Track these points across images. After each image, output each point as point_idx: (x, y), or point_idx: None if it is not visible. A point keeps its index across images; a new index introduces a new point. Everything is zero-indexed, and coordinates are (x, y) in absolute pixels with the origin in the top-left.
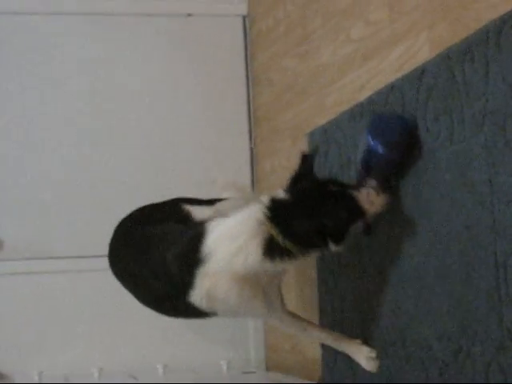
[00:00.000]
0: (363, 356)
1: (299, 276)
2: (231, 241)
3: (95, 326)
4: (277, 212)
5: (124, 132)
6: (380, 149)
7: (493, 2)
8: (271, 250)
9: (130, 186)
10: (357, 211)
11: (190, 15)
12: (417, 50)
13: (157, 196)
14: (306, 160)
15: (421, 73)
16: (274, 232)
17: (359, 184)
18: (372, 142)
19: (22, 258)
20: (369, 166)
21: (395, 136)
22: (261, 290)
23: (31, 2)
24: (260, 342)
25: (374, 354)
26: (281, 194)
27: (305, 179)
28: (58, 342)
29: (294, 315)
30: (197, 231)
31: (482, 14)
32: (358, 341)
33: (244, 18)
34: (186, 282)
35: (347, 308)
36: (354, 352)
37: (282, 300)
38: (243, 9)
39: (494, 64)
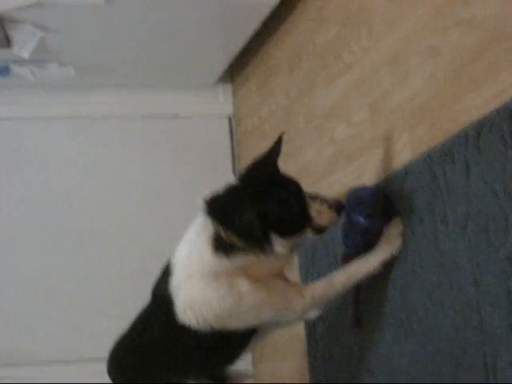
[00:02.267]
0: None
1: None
2: (184, 246)
3: None
4: (216, 204)
5: (112, 233)
6: (360, 220)
7: (469, 105)
8: (219, 246)
9: (121, 288)
10: (303, 215)
11: (176, 116)
12: (399, 151)
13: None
14: (275, 147)
15: (404, 174)
16: (215, 225)
17: (316, 197)
18: (352, 216)
19: (14, 363)
20: (349, 238)
21: (372, 206)
22: (247, 282)
23: (19, 109)
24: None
25: None
26: (231, 181)
27: (263, 166)
28: None
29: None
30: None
31: (460, 117)
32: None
33: (230, 118)
34: (168, 303)
35: None
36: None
37: (291, 280)
38: (229, 109)
39: (475, 166)
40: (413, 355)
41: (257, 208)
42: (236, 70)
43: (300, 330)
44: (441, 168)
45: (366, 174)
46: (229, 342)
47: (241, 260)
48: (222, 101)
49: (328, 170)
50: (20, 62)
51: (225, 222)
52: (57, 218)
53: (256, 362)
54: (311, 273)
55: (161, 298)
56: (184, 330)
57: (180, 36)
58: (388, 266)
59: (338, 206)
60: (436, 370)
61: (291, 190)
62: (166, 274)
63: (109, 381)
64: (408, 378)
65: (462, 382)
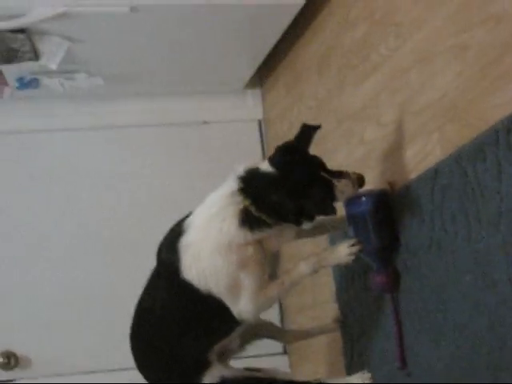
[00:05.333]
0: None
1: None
2: (207, 210)
3: None
4: (253, 185)
5: (141, 244)
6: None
7: (498, 102)
8: (247, 219)
9: None
10: (331, 199)
11: (205, 122)
12: (429, 151)
13: None
14: (305, 133)
15: (434, 173)
16: (248, 202)
17: (341, 174)
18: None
19: (50, 374)
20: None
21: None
22: (250, 256)
23: (49, 120)
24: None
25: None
26: (265, 165)
27: (296, 153)
28: None
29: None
30: (183, 217)
31: (489, 114)
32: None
33: (260, 122)
34: (174, 258)
35: None
36: (337, 252)
37: (272, 272)
38: (258, 113)
39: (506, 163)
40: (450, 357)
41: (294, 203)
42: (264, 73)
43: (336, 333)
44: (472, 166)
45: (396, 174)
46: (220, 317)
47: (262, 234)
48: (251, 105)
49: (358, 171)
50: (49, 73)
51: (259, 203)
52: (88, 227)
53: (293, 364)
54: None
55: (167, 253)
56: (185, 287)
57: (207, 42)
58: (422, 267)
59: (360, 182)
60: (474, 371)
61: (322, 179)
62: (176, 231)
63: None
64: (447, 380)
65: (501, 382)
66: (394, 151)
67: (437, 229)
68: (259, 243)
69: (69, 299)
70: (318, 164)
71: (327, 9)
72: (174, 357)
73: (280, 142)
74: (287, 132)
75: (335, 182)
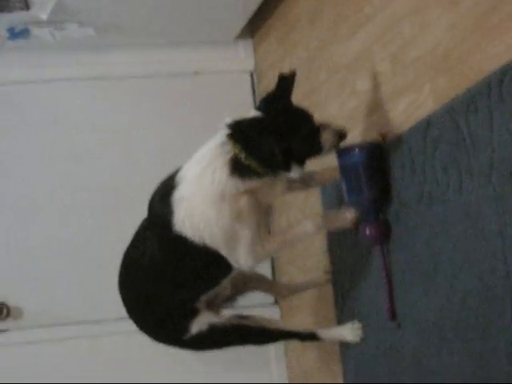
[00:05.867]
0: (350, 214)
1: None
2: (198, 163)
3: None
4: (241, 130)
5: (132, 196)
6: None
7: (492, 53)
8: (237, 168)
9: None
10: (317, 145)
11: (196, 73)
12: (421, 102)
13: None
14: (284, 82)
15: (426, 125)
16: (237, 149)
17: (324, 125)
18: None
19: (42, 325)
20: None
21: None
22: (243, 204)
23: (39, 71)
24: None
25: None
26: (252, 112)
27: (280, 101)
28: None
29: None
30: (175, 171)
31: (482, 66)
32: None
33: (251, 73)
34: (167, 212)
35: (369, 363)
36: (342, 216)
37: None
38: (250, 64)
39: (498, 114)
40: (441, 308)
41: (281, 143)
42: (256, 24)
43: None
44: (464, 118)
45: (388, 125)
46: (212, 266)
47: (252, 183)
48: (242, 56)
49: (351, 122)
50: (39, 23)
51: (248, 148)
52: (78, 179)
53: (284, 315)
54: None
55: (159, 207)
56: (177, 240)
57: None
58: (413, 217)
59: (342, 134)
60: (464, 322)
61: (308, 123)
62: (168, 185)
63: None
64: (435, 330)
65: (491, 333)
66: (386, 102)
67: (428, 180)
68: (252, 194)
69: (60, 251)
70: (302, 110)
71: None
72: (163, 304)
73: None
74: None
75: (321, 129)
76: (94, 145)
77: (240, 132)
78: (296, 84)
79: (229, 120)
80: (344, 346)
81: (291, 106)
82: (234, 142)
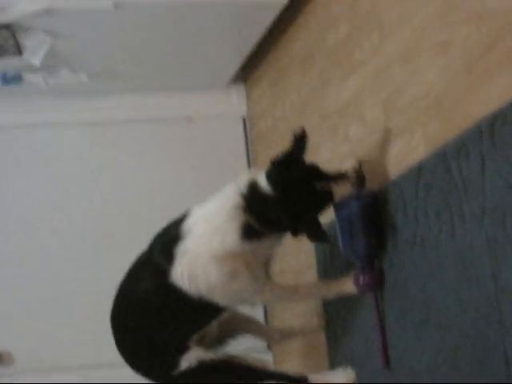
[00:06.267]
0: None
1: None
2: (209, 221)
3: None
4: (255, 202)
5: (126, 241)
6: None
7: (482, 98)
8: (248, 233)
9: None
10: (330, 202)
11: (189, 118)
12: (413, 147)
13: None
14: (299, 144)
15: (418, 170)
16: (251, 219)
17: (340, 176)
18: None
19: (33, 369)
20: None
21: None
22: (244, 264)
23: (33, 116)
24: None
25: None
26: (262, 181)
27: (292, 166)
28: None
29: (280, 284)
30: (180, 217)
31: (473, 111)
32: (346, 278)
33: (244, 118)
34: (167, 261)
35: None
36: (348, 288)
37: (268, 273)
38: (243, 110)
39: (490, 160)
40: (434, 354)
41: (292, 222)
42: (249, 70)
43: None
44: (456, 163)
45: (380, 172)
46: (204, 311)
47: (260, 244)
48: (235, 102)
49: (343, 168)
50: (32, 69)
51: (263, 221)
52: (69, 222)
53: (277, 361)
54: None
55: (161, 254)
56: (171, 289)
57: (191, 38)
58: (406, 263)
59: (360, 181)
60: (457, 366)
61: (319, 192)
62: (174, 234)
63: None
64: (429, 376)
65: (484, 378)
66: (379, 148)
67: (421, 225)
68: (251, 252)
69: (51, 295)
70: (314, 175)
71: (311, 6)
72: (152, 342)
73: (264, 139)
74: (271, 128)
75: (334, 186)
76: (86, 190)
77: (253, 206)
78: (288, 129)
79: (242, 183)
80: None
81: (302, 174)
82: (248, 213)
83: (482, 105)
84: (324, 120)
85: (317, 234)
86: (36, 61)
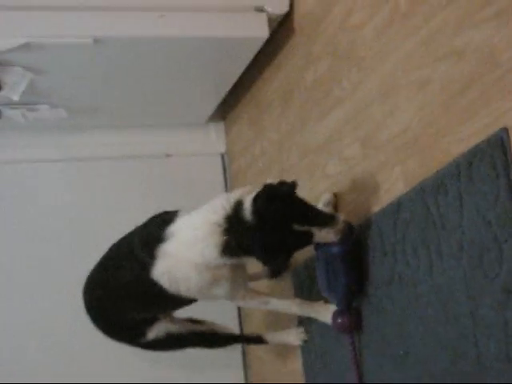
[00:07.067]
0: (329, 313)
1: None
2: (192, 229)
3: None
4: (234, 225)
5: None
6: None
7: (461, 135)
8: (227, 250)
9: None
10: (308, 244)
11: (168, 155)
12: (391, 184)
13: None
14: (292, 185)
15: (397, 207)
16: (230, 239)
17: (329, 219)
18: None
19: None
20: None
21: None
22: (224, 274)
23: (10, 152)
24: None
25: None
26: (247, 204)
27: (279, 199)
28: None
29: (255, 291)
30: (167, 217)
31: (451, 148)
32: (321, 302)
33: (222, 155)
34: (149, 259)
35: None
36: (318, 312)
37: (246, 279)
38: (221, 147)
39: (467, 196)
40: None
41: (264, 257)
42: (227, 107)
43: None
44: (433, 199)
45: (358, 209)
46: (180, 301)
47: (239, 260)
48: (214, 139)
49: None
50: (10, 104)
51: (240, 246)
52: (49, 260)
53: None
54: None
55: (143, 252)
56: (151, 283)
57: (170, 75)
58: (384, 300)
59: (347, 232)
60: None
61: (302, 239)
62: (157, 234)
63: None
64: None
65: None
66: (357, 185)
67: (399, 262)
68: (231, 264)
69: (32, 334)
70: (298, 215)
71: (290, 43)
72: (122, 314)
73: (242, 176)
74: (250, 166)
75: (315, 230)
76: (64, 226)
77: (234, 229)
78: (267, 167)
79: (230, 202)
80: None
81: (287, 210)
82: (228, 234)
83: (460, 142)
84: (303, 157)
85: (279, 273)
86: (15, 96)
